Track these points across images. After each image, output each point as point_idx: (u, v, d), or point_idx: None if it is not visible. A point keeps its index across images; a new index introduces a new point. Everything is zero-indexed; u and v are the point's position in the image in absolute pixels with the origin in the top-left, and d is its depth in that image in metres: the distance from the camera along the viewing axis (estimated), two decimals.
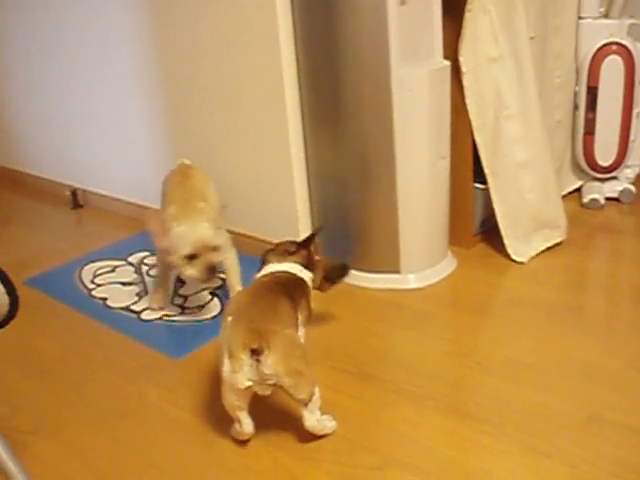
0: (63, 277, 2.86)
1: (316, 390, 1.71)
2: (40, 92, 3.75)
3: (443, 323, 2.35)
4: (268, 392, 1.71)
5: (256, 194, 2.80)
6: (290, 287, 1.91)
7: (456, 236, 2.69)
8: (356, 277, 2.55)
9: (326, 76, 2.44)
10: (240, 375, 1.64)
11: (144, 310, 2.54)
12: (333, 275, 2.16)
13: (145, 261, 2.93)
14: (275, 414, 1.89)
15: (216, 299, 2.57)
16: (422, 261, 2.55)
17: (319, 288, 2.14)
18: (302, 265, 2.03)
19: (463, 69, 2.46)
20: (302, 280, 2.01)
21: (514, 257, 2.63)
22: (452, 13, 2.42)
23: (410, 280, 2.53)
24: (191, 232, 2.22)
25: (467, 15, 2.41)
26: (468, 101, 2.49)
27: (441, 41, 2.42)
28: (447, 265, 2.62)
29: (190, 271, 2.23)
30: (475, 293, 2.49)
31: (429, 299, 2.46)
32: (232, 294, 2.42)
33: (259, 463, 1.75)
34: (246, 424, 1.75)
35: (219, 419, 1.90)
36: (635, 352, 2.07)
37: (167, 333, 2.41)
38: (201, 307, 2.53)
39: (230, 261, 2.43)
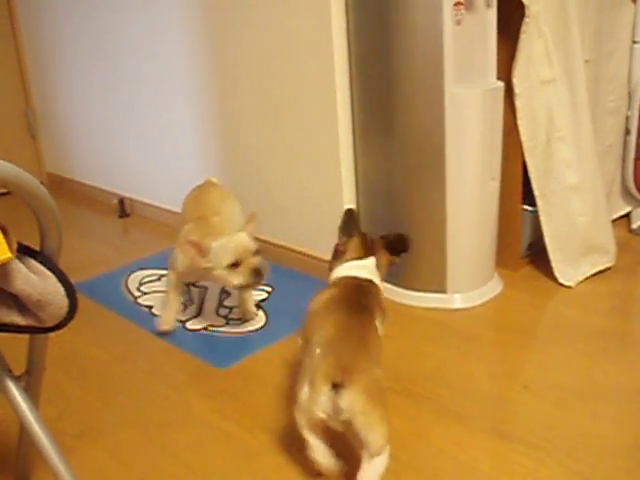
0: (110, 284, 2.90)
1: (387, 447, 1.57)
2: (94, 103, 3.82)
3: (489, 344, 2.33)
4: (340, 428, 1.58)
5: (304, 208, 2.81)
6: (366, 299, 1.80)
7: (503, 258, 2.67)
8: (403, 295, 2.55)
9: (379, 93, 2.45)
10: (316, 406, 1.55)
11: (189, 320, 2.56)
12: (397, 251, 2.00)
13: None
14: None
15: (261, 311, 2.58)
16: (468, 282, 2.54)
17: (388, 269, 2.01)
18: (363, 258, 1.92)
19: (516, 90, 2.46)
20: (372, 283, 1.89)
21: (562, 281, 2.61)
22: (507, 34, 2.42)
23: (456, 300, 2.52)
24: (229, 242, 2.23)
25: (522, 37, 2.41)
26: (520, 122, 2.49)
27: (495, 62, 2.42)
28: (493, 287, 2.60)
29: (237, 279, 2.24)
30: (521, 316, 2.47)
31: (475, 320, 2.45)
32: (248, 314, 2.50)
33: (299, 478, 1.75)
34: (316, 450, 1.63)
35: (263, 430, 1.92)
36: None
37: (212, 343, 2.42)
38: (244, 321, 2.54)
39: None
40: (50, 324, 1.31)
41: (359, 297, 1.80)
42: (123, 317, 2.63)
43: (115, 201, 3.76)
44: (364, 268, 1.90)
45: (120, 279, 2.93)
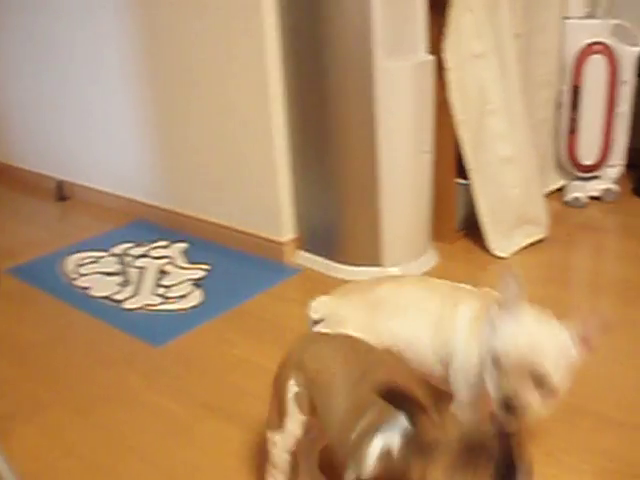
0: (46, 267, 2.86)
1: None
2: (28, 87, 3.75)
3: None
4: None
5: (241, 190, 2.81)
6: None
7: (439, 231, 2.70)
8: (339, 270, 2.57)
9: (310, 68, 2.45)
10: None
11: (127, 299, 2.54)
12: None
13: (129, 252, 2.94)
14: (251, 400, 1.91)
15: (197, 289, 2.58)
16: (404, 255, 2.56)
17: None
18: None
19: (447, 64, 2.48)
20: None
21: (496, 252, 2.65)
22: (437, 9, 2.44)
23: (392, 273, 2.53)
24: None
25: (451, 11, 2.43)
26: (452, 96, 2.51)
27: (425, 36, 2.43)
28: (429, 259, 2.63)
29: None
30: None
31: None
32: None
33: (235, 446, 1.76)
34: None
35: (199, 406, 1.93)
36: (613, 345, 2.08)
37: (148, 322, 2.41)
38: (182, 297, 2.53)
39: None
40: None
41: None
42: (59, 299, 2.60)
43: (53, 185, 3.71)
44: None
45: (56, 262, 2.90)
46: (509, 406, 1.28)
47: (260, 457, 1.70)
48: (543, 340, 1.32)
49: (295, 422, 1.39)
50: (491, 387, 1.33)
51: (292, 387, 1.37)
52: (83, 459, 1.78)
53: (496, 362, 1.32)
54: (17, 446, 1.80)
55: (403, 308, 1.60)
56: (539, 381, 1.28)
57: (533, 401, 1.29)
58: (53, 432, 1.89)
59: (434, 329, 1.55)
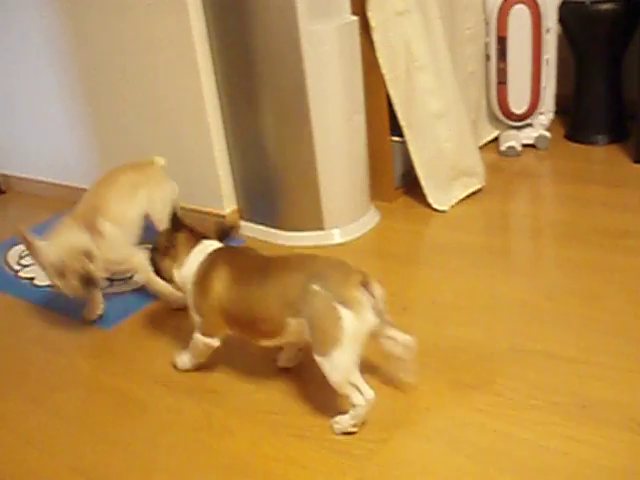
0: None
1: None
2: None
3: (369, 273, 2.38)
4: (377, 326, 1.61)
5: (179, 167, 2.77)
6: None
7: (378, 190, 2.74)
8: (281, 236, 2.59)
9: (237, 37, 2.44)
10: (366, 315, 1.56)
11: None
12: (224, 237, 1.89)
13: None
14: (207, 373, 1.92)
15: None
16: (345, 216, 2.59)
17: None
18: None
19: (372, 24, 2.49)
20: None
21: (435, 206, 2.69)
22: None
23: (335, 235, 2.57)
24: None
25: None
26: (379, 55, 2.53)
27: None
28: (370, 219, 2.66)
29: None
30: (399, 243, 2.55)
31: (355, 252, 2.50)
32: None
33: (193, 419, 1.78)
34: (367, 390, 1.60)
35: (153, 383, 1.93)
36: (554, 284, 2.15)
37: None
38: (128, 279, 2.52)
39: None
40: None
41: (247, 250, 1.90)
42: (4, 292, 2.58)
43: None
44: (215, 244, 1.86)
45: None
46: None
47: (221, 428, 1.73)
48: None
49: None
50: None
51: None
52: (38, 444, 1.78)
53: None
54: None
55: None
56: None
57: None
58: (7, 420, 1.89)
59: None
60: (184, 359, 1.92)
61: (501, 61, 3.08)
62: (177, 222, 1.86)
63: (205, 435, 1.71)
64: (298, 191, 2.54)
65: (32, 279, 2.63)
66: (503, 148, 3.14)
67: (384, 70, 2.54)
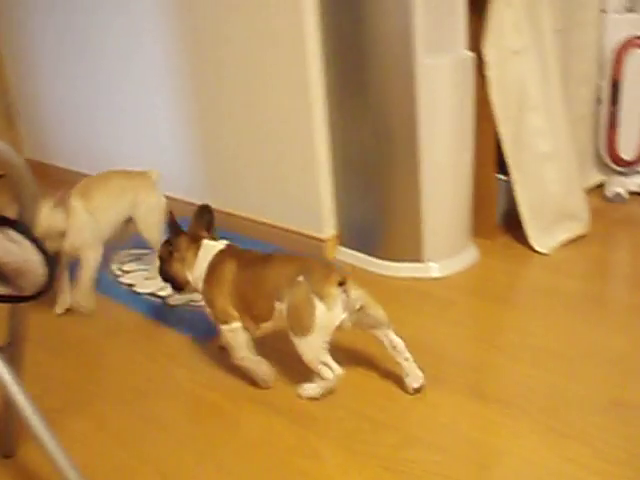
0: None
1: None
2: (63, 86, 3.82)
3: (465, 311, 2.37)
4: (350, 324, 1.86)
5: (282, 187, 2.84)
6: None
7: (479, 228, 2.71)
8: (379, 265, 2.59)
9: (351, 65, 2.47)
10: (336, 310, 1.82)
11: (170, 296, 2.57)
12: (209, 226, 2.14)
13: None
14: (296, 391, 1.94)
15: None
16: (444, 250, 2.57)
17: None
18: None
19: (487, 61, 2.49)
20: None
21: (537, 248, 2.65)
22: (476, 5, 2.45)
23: (432, 269, 2.55)
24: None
25: (491, 7, 2.44)
26: (492, 93, 2.52)
27: (464, 32, 2.44)
28: (469, 255, 2.64)
29: None
30: (497, 283, 2.52)
31: (451, 288, 2.48)
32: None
33: (283, 440, 1.79)
34: (336, 367, 1.86)
35: (243, 399, 1.95)
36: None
37: (192, 318, 2.43)
38: None
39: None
40: (29, 293, 1.33)
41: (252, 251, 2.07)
42: (105, 295, 2.65)
43: None
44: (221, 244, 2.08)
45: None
46: None
47: (311, 452, 1.74)
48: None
49: None
50: None
51: None
52: (128, 446, 1.82)
53: None
54: (68, 437, 1.83)
55: None
56: None
57: None
58: (102, 424, 1.93)
59: None
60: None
61: (613, 105, 3.02)
62: (176, 228, 2.10)
63: (296, 457, 1.72)
64: (400, 221, 2.54)
65: (132, 285, 2.70)
66: (609, 194, 3.08)
67: (496, 108, 2.53)
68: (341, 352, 1.94)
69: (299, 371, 1.91)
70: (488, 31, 2.46)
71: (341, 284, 1.82)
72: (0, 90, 4.27)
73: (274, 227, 2.90)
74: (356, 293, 1.85)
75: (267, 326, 1.95)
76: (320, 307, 1.80)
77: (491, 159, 2.65)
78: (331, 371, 1.86)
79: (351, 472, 1.66)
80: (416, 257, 2.55)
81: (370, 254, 2.63)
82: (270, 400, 1.95)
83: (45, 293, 1.34)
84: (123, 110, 3.52)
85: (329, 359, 1.86)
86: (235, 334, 1.98)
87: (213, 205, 3.12)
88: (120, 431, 1.89)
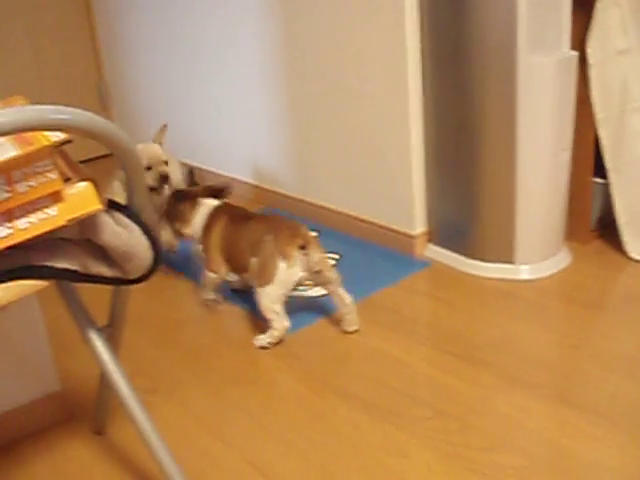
0: (181, 251, 2.94)
1: None
2: (161, 78, 3.89)
3: (556, 315, 2.33)
4: (310, 282, 2.28)
5: (374, 181, 2.83)
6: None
7: (573, 231, 2.65)
8: (470, 265, 2.57)
9: (450, 61, 2.45)
10: (295, 268, 2.13)
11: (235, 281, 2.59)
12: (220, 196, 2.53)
13: None
14: (386, 391, 1.93)
15: None
16: (537, 253, 2.53)
17: None
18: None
19: (590, 61, 2.43)
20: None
21: (633, 255, 2.58)
22: (582, 4, 2.39)
23: (523, 271, 2.52)
24: (143, 148, 2.66)
25: (597, 6, 2.38)
26: (593, 93, 2.46)
27: (569, 31, 2.39)
28: (562, 259, 2.59)
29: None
30: (589, 288, 2.46)
31: (542, 291, 2.44)
32: None
33: (370, 436, 1.79)
34: (285, 319, 2.19)
35: (330, 392, 1.96)
36: None
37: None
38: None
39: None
40: (134, 276, 1.36)
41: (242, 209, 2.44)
42: (195, 281, 2.69)
43: (185, 172, 3.81)
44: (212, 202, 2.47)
45: (190, 246, 2.98)
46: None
47: (397, 450, 1.74)
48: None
49: None
50: None
51: None
52: (214, 431, 1.86)
53: None
54: (157, 419, 1.87)
55: None
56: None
57: None
58: (190, 408, 1.97)
59: None
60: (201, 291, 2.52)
61: None
62: (180, 194, 2.52)
63: (382, 454, 1.72)
64: (493, 221, 2.51)
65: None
66: None
67: (596, 108, 2.47)
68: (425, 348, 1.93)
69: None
70: (593, 30, 2.40)
71: (302, 247, 2.11)
72: (96, 79, 4.38)
73: (363, 221, 2.90)
74: (317, 257, 2.14)
75: (247, 277, 2.31)
76: (281, 265, 2.11)
77: (589, 161, 2.58)
78: (281, 322, 2.17)
79: (439, 472, 1.65)
80: (507, 258, 2.52)
81: (460, 253, 2.61)
82: (355, 393, 1.96)
83: (148, 277, 1.37)
84: (218, 103, 3.57)
85: (281, 311, 2.18)
86: (211, 281, 2.41)
87: (302, 196, 3.19)
88: (206, 416, 1.93)
